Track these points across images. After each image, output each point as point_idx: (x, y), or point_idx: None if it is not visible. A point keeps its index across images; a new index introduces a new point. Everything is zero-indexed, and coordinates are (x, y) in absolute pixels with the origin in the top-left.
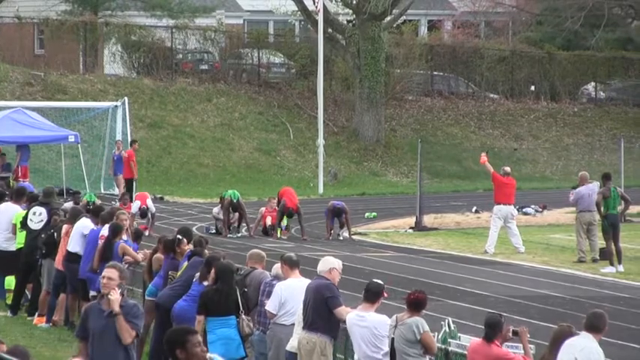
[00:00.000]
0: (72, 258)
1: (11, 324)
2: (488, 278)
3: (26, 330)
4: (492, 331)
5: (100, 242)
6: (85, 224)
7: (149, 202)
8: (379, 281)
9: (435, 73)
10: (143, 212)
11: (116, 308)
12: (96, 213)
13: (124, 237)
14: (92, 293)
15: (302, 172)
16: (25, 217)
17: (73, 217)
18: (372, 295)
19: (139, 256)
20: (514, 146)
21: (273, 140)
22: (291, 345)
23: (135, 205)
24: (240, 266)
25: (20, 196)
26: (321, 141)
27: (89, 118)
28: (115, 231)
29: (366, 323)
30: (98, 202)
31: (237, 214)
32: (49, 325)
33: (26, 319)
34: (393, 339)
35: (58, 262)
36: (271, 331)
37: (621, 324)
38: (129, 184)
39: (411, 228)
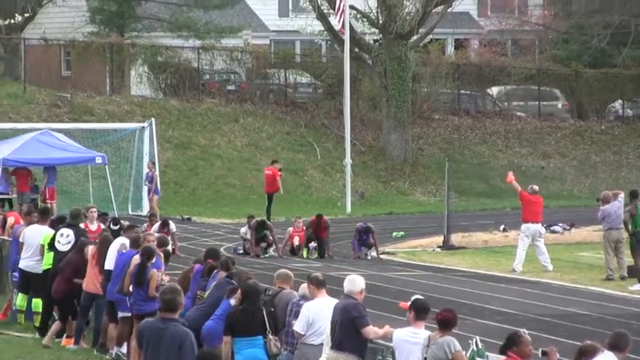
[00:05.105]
0: (110, 276)
1: (39, 346)
2: (516, 297)
3: (54, 352)
4: (503, 347)
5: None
6: (122, 242)
7: (171, 223)
8: (420, 297)
9: (462, 91)
10: None
11: None
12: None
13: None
14: (120, 315)
15: (329, 191)
16: (53, 239)
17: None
18: (423, 312)
19: (166, 277)
20: (541, 164)
21: (300, 160)
22: None
23: (156, 226)
24: (268, 286)
25: (45, 215)
26: (348, 160)
27: (116, 140)
28: (149, 254)
29: (420, 340)
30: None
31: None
32: (77, 347)
33: (54, 340)
34: (425, 358)
35: (86, 284)
36: (299, 351)
37: None
38: (270, 198)
39: (438, 247)
